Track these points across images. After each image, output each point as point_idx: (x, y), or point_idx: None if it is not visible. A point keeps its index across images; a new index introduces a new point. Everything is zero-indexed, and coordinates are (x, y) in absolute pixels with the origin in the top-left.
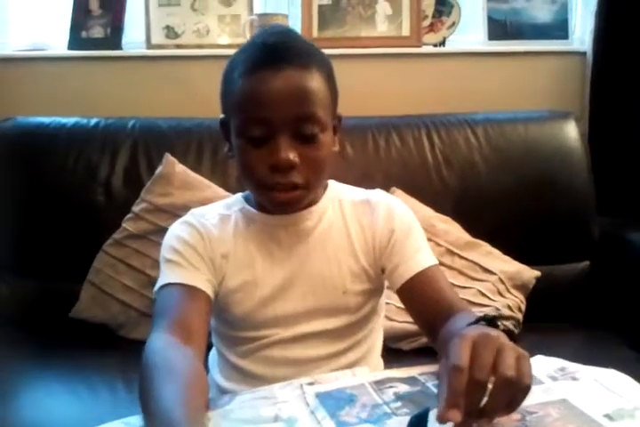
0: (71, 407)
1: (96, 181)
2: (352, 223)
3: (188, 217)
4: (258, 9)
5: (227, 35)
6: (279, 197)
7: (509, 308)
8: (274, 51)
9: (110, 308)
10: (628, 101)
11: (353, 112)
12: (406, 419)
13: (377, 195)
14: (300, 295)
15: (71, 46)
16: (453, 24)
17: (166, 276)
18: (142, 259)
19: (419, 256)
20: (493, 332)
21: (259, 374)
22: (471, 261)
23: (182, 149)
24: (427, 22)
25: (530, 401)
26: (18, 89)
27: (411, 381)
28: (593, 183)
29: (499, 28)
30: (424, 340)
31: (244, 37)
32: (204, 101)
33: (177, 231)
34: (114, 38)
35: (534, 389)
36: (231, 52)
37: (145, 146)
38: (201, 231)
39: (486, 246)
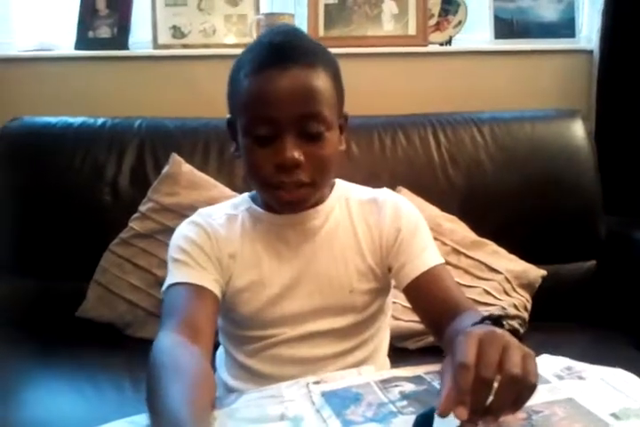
0: (77, 406)
1: (103, 180)
2: (359, 222)
3: (195, 217)
4: (264, 8)
5: (233, 34)
6: (285, 196)
7: (515, 307)
8: (280, 50)
9: (117, 307)
10: (636, 100)
11: (359, 111)
12: (412, 418)
13: (384, 194)
14: (306, 294)
15: (78, 46)
16: (460, 23)
17: (174, 275)
18: (149, 258)
19: (425, 255)
20: (499, 330)
21: (266, 373)
22: (477, 261)
23: (189, 149)
24: (433, 21)
25: (536, 400)
26: (25, 89)
27: (416, 380)
28: (600, 182)
29: (505, 26)
30: (430, 339)
31: (251, 37)
32: (210, 101)
33: (184, 231)
34: (120, 38)
35: (540, 388)
36: (238, 51)
37: (151, 146)
38: (208, 231)
39: (492, 245)
